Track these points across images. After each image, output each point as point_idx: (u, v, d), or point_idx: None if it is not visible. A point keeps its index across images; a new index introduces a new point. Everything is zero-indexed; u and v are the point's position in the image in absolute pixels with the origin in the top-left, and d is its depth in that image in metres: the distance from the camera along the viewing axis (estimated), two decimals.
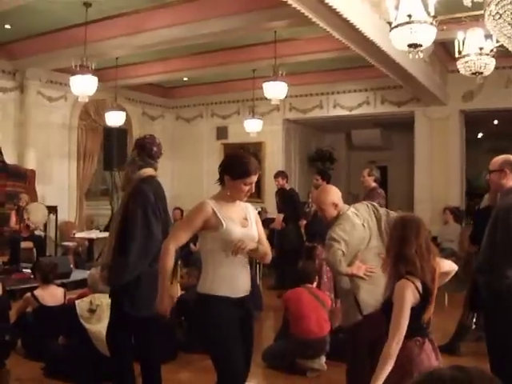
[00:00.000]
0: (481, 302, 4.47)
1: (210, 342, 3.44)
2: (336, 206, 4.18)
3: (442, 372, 1.24)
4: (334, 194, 4.25)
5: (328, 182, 9.63)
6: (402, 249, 3.03)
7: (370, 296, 3.99)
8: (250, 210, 3.56)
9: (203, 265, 3.46)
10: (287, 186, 10.01)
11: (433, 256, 3.08)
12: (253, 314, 3.66)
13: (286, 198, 9.82)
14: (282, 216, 9.52)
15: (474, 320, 6.11)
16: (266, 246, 3.59)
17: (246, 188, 3.41)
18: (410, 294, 2.95)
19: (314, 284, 5.93)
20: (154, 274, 4.09)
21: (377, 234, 4.21)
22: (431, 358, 2.97)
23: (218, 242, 3.32)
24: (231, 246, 3.27)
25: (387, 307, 3.10)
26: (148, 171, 4.30)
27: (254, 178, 3.43)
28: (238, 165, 3.41)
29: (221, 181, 3.46)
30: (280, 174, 10.14)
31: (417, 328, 3.02)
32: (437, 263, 3.09)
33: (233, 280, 3.37)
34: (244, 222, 3.45)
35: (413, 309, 2.96)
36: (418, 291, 2.97)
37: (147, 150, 4.31)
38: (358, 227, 4.12)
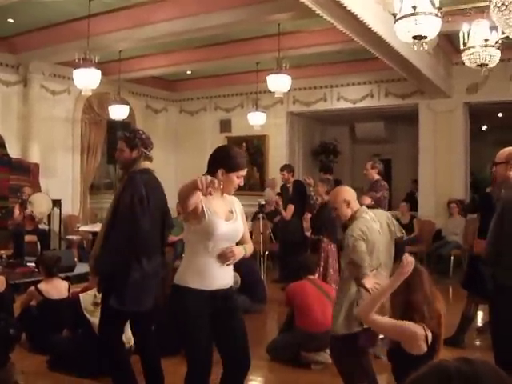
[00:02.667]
0: (487, 294, 4.48)
1: (179, 330, 3.55)
2: (348, 203, 4.16)
3: (448, 364, 1.24)
4: (345, 192, 4.26)
5: (330, 174, 9.67)
6: (410, 296, 3.04)
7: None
8: (236, 204, 3.57)
9: (184, 255, 3.52)
10: (292, 180, 9.98)
11: (437, 300, 3.11)
12: (234, 309, 3.60)
13: (298, 190, 9.79)
14: (293, 207, 9.49)
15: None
16: (248, 243, 3.63)
17: (238, 181, 3.46)
18: (415, 335, 2.96)
19: (316, 275, 5.94)
20: (145, 270, 4.10)
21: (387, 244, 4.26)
22: None
23: (199, 233, 3.34)
24: (221, 254, 3.32)
25: (393, 353, 3.10)
26: (145, 164, 4.27)
27: (245, 172, 3.50)
28: (232, 157, 3.45)
29: (211, 174, 3.43)
30: (286, 168, 10.10)
31: None
32: (441, 307, 3.11)
33: (206, 273, 3.37)
34: (229, 215, 3.47)
35: (415, 359, 2.96)
36: (427, 341, 2.98)
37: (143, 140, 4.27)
38: (374, 232, 4.12)
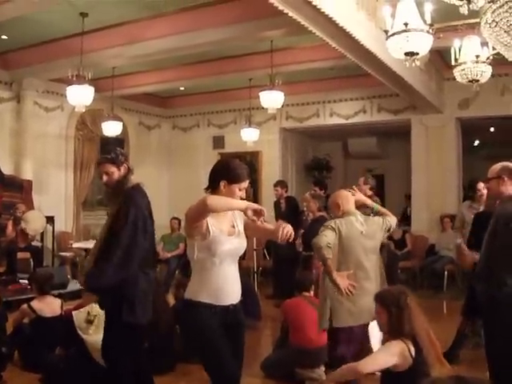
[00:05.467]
0: (478, 309, 4.47)
1: (197, 348, 3.44)
2: (339, 206, 4.41)
3: (443, 382, 1.24)
4: (339, 196, 4.53)
5: (325, 191, 9.68)
6: (398, 317, 3.17)
7: (344, 311, 4.06)
8: (238, 216, 3.53)
9: (192, 272, 3.46)
10: (285, 196, 10.01)
11: (420, 319, 3.22)
12: (242, 323, 3.60)
13: (291, 206, 9.81)
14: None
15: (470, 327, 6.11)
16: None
17: (240, 193, 3.44)
18: (397, 351, 3.06)
19: (312, 293, 5.92)
20: (150, 280, 4.12)
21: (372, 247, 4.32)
22: None
23: (203, 250, 3.32)
24: (280, 233, 3.20)
25: (385, 376, 3.13)
26: (132, 178, 4.27)
27: (247, 184, 3.50)
28: (233, 169, 3.46)
29: (212, 187, 3.45)
30: (280, 183, 10.17)
31: None
32: (425, 324, 3.24)
33: (218, 288, 3.36)
34: (231, 230, 3.45)
35: (404, 374, 2.99)
36: (411, 354, 3.03)
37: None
38: (355, 230, 4.21)
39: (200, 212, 3.25)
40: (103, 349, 4.24)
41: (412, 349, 3.05)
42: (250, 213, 3.20)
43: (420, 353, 3.04)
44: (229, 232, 3.42)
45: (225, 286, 3.38)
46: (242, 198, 3.45)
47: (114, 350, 4.15)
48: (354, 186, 4.99)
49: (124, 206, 4.12)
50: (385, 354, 3.04)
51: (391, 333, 3.15)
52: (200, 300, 3.33)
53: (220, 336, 3.33)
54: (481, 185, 6.72)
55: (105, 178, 4.18)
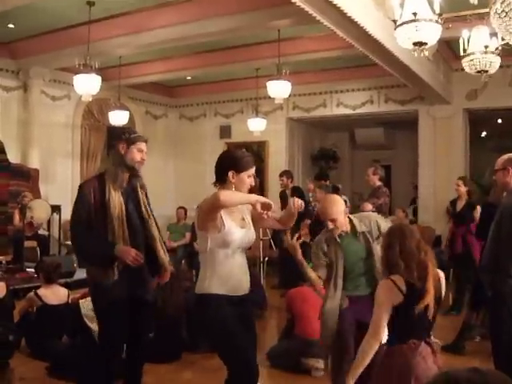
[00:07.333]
0: (484, 301, 4.47)
1: (219, 343, 3.42)
2: (345, 212, 4.17)
3: (458, 374, 1.24)
4: (340, 202, 4.18)
5: (326, 180, 9.69)
6: (387, 254, 3.14)
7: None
8: (246, 210, 3.55)
9: (201, 265, 3.45)
10: (290, 186, 10.01)
11: (424, 253, 3.16)
12: (253, 313, 3.64)
13: (297, 197, 9.81)
14: None
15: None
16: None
17: (249, 181, 3.46)
18: (385, 293, 3.04)
19: None
20: None
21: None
22: (427, 361, 2.97)
23: (217, 242, 3.33)
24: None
25: None
26: None
27: (253, 170, 3.52)
28: (239, 157, 3.47)
29: (221, 180, 3.45)
30: (285, 173, 10.16)
31: (410, 330, 3.05)
32: (430, 259, 3.17)
33: (232, 279, 3.38)
34: (242, 222, 3.47)
35: (397, 308, 2.97)
36: (401, 290, 2.99)
37: None
38: None
39: (214, 207, 3.29)
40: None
41: (402, 284, 3.00)
42: (259, 206, 3.30)
43: (412, 287, 3.01)
44: (240, 224, 3.44)
45: (238, 276, 3.41)
46: (251, 185, 3.47)
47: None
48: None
49: (143, 186, 4.19)
50: (381, 308, 3.01)
51: (387, 268, 3.15)
52: (216, 292, 3.32)
53: (241, 330, 3.33)
54: None
55: (145, 155, 4.09)
